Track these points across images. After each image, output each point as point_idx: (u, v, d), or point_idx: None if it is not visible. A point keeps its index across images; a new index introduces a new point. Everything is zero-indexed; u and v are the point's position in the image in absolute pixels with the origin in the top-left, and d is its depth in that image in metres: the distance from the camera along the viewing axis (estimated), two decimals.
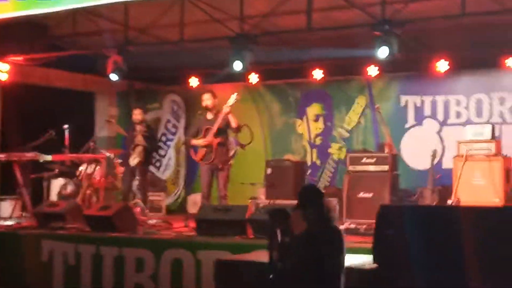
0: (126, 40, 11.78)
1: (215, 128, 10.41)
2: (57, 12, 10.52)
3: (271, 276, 5.58)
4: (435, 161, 10.96)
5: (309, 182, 12.13)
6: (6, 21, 10.85)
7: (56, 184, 11.77)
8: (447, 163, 11.72)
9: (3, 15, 10.18)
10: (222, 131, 10.52)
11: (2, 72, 12.86)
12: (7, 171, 12.09)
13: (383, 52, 9.89)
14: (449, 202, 10.08)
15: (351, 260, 6.26)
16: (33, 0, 9.65)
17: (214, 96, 10.65)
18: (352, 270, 6.15)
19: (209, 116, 10.62)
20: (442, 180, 11.17)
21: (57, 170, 11.77)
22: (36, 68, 13.41)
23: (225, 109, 10.39)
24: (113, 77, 11.76)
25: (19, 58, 12.72)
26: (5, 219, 11.43)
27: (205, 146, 10.45)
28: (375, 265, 6.37)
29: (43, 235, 9.59)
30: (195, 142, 10.63)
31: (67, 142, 11.38)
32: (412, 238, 6.25)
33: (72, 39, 12.33)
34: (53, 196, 11.64)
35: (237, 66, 10.73)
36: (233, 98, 10.41)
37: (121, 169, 11.48)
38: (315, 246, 5.39)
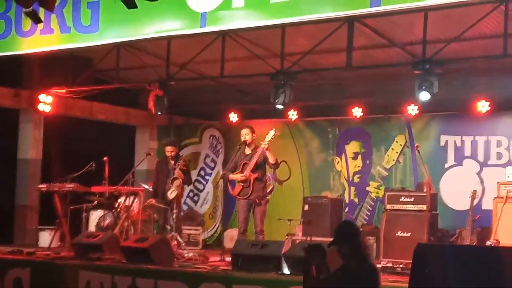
0: (168, 75, 11.94)
1: (252, 163, 10.45)
2: (101, 46, 10.73)
3: None
4: (475, 202, 10.83)
5: (346, 219, 12.06)
6: (50, 53, 11.07)
7: (95, 216, 11.89)
8: (487, 204, 11.58)
9: (48, 48, 10.38)
10: (260, 167, 10.54)
11: (45, 104, 13.09)
12: (47, 202, 12.25)
13: (423, 95, 9.86)
14: (488, 243, 9.94)
15: None
16: (77, 34, 9.82)
17: (252, 131, 10.70)
18: None
19: (247, 151, 10.66)
20: (482, 222, 11.02)
21: (96, 202, 11.89)
22: (79, 101, 13.62)
23: (263, 144, 10.42)
24: (153, 107, 11.89)
25: (63, 91, 12.94)
26: (44, 248, 11.54)
27: (243, 181, 10.48)
28: None
29: (80, 265, 9.64)
30: (232, 177, 10.66)
31: (106, 174, 11.50)
32: (449, 278, 6.16)
33: (115, 73, 12.53)
34: (92, 227, 11.76)
35: (278, 102, 10.79)
36: (271, 134, 10.45)
37: (152, 201, 11.55)
38: (351, 283, 5.36)
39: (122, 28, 9.45)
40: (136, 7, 8.19)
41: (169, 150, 11.40)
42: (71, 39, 9.94)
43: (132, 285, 9.10)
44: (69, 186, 11.61)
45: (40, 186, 12.18)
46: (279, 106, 10.95)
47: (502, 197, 10.31)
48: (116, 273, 9.29)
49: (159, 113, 12.07)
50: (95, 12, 9.61)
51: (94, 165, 11.60)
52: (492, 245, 9.82)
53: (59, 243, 11.93)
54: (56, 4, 9.12)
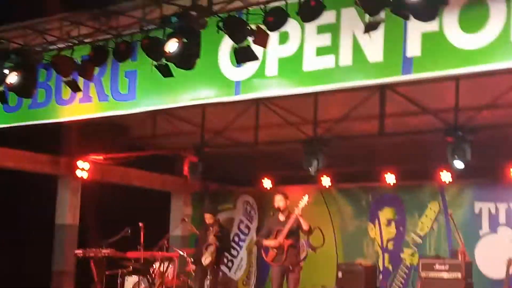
0: (203, 142, 12.13)
1: (286, 229, 10.46)
2: (137, 113, 10.96)
3: None
4: (511, 270, 10.71)
5: (376, 286, 11.99)
6: (88, 121, 11.32)
7: (130, 281, 11.96)
8: None
9: (87, 116, 10.61)
10: (294, 233, 10.56)
11: (83, 170, 13.34)
12: (83, 267, 12.35)
13: (457, 163, 9.90)
14: None
15: None
16: (115, 102, 10.04)
17: (286, 197, 10.74)
18: None
19: (281, 217, 10.70)
20: None
21: (131, 267, 11.96)
22: (116, 167, 13.86)
23: (297, 211, 10.46)
24: (189, 177, 12.04)
25: (100, 157, 13.19)
26: None
27: (276, 248, 10.49)
28: None
29: None
30: (266, 243, 10.68)
31: (142, 239, 11.59)
32: None
33: (151, 140, 12.75)
34: None
35: (311, 168, 10.88)
36: (304, 200, 10.49)
37: (192, 267, 11.58)
38: None
39: (158, 96, 9.66)
40: (172, 75, 8.44)
41: (206, 218, 11.44)
42: (109, 107, 10.15)
43: None
44: (105, 251, 11.71)
45: (77, 251, 12.28)
46: (312, 173, 11.04)
47: None
48: None
49: (194, 179, 12.21)
50: (132, 81, 9.85)
51: (129, 231, 11.71)
52: None
53: None
54: (94, 73, 9.43)
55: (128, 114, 10.51)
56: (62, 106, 10.56)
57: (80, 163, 13.31)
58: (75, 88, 9.49)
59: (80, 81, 9.57)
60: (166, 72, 8.40)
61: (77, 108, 10.43)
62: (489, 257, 12.29)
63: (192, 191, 15.70)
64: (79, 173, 13.32)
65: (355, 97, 10.56)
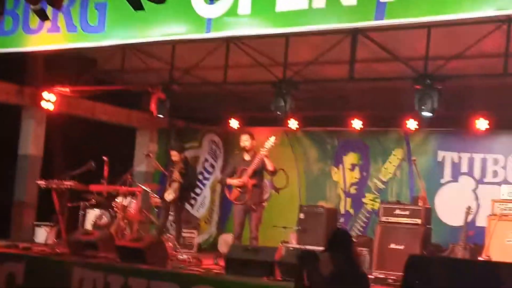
0: (171, 79, 12.04)
1: (251, 169, 10.53)
2: (106, 47, 10.82)
3: None
4: (469, 218, 10.91)
5: (339, 227, 12.14)
6: (56, 52, 11.16)
7: (92, 214, 11.99)
8: (480, 221, 11.67)
9: (54, 46, 10.45)
10: (258, 173, 10.62)
11: (48, 102, 13.18)
12: (45, 198, 12.33)
13: (424, 112, 9.95)
14: (480, 259, 10.02)
15: None
16: (84, 34, 9.90)
17: (252, 138, 10.78)
18: None
19: (246, 157, 10.74)
20: (475, 238, 11.12)
21: (93, 201, 11.98)
22: (82, 100, 13.73)
23: (262, 151, 10.51)
24: (159, 114, 11.97)
25: (66, 90, 13.04)
26: (40, 244, 11.62)
27: (240, 187, 10.56)
28: None
29: (75, 262, 9.70)
30: (230, 181, 10.74)
31: (105, 173, 11.58)
32: None
33: (119, 74, 12.63)
34: (88, 226, 11.84)
35: (279, 110, 10.87)
36: (270, 141, 10.53)
37: (156, 202, 11.63)
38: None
39: (128, 29, 9.53)
40: (142, 9, 8.32)
41: (172, 155, 11.44)
42: (78, 38, 10.00)
43: (125, 284, 9.13)
44: (68, 183, 11.67)
45: (39, 182, 12.24)
46: (280, 115, 11.04)
47: (496, 215, 10.40)
48: (109, 271, 9.33)
49: (161, 116, 12.16)
50: (102, 13, 9.69)
51: (93, 164, 11.68)
52: (484, 260, 9.90)
53: (55, 239, 12.00)
54: (64, 3, 9.26)
55: (96, 47, 10.39)
56: (29, 35, 10.39)
57: (45, 94, 13.13)
58: (43, 17, 9.32)
59: (49, 10, 9.39)
60: (137, 5, 8.29)
61: (45, 38, 10.27)
62: (449, 205, 12.50)
63: (158, 127, 15.64)
64: (44, 104, 13.15)
65: (326, 41, 10.52)
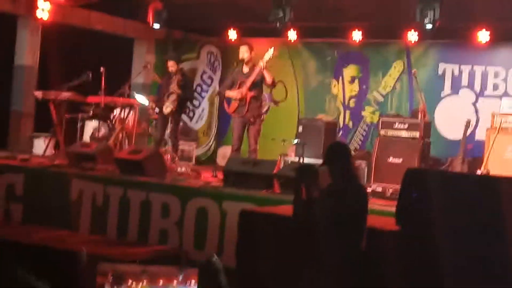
0: None
1: (249, 81, 10.41)
2: None
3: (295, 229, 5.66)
4: (468, 131, 10.89)
5: (337, 140, 12.13)
6: None
7: (90, 126, 11.96)
8: (480, 135, 11.66)
9: None
10: (257, 86, 10.52)
11: (43, 10, 12.95)
12: (43, 110, 12.26)
13: (426, 21, 9.77)
14: (479, 173, 10.04)
15: None
16: None
17: (251, 49, 10.63)
18: (373, 230, 6.19)
19: (245, 69, 10.62)
20: (474, 151, 11.14)
21: (91, 112, 11.90)
22: (77, 9, 13.50)
23: (261, 63, 10.38)
24: (156, 26, 11.79)
25: None
26: (38, 156, 11.63)
27: (239, 99, 10.47)
28: None
29: (73, 174, 9.74)
30: (229, 94, 10.65)
31: (103, 85, 11.47)
32: (436, 203, 6.25)
33: None
34: (86, 137, 11.83)
35: (278, 21, 10.69)
36: (269, 53, 10.40)
37: (154, 114, 11.57)
38: (339, 202, 5.45)
39: None
40: None
41: (169, 65, 11.31)
42: None
43: (124, 196, 9.21)
44: (65, 94, 11.60)
45: (36, 93, 12.15)
46: (278, 25, 10.86)
47: (495, 128, 10.34)
48: (108, 183, 9.40)
49: (158, 26, 11.97)
50: None
51: (90, 75, 11.57)
52: (482, 174, 9.92)
53: (53, 151, 12.00)
54: None
55: None
56: None
57: (40, 3, 12.88)
58: None
59: None
60: None
61: None
62: (449, 118, 12.44)
63: (155, 38, 15.43)
64: (39, 13, 12.92)
65: None
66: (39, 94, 11.92)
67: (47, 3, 12.91)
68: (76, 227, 9.37)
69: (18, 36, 13.34)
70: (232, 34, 14.42)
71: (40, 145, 12.21)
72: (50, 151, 11.97)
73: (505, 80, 12.35)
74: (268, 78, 10.44)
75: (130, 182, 9.31)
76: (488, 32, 12.10)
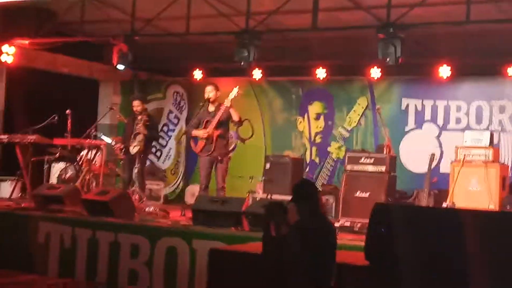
0: (133, 30, 11.88)
1: (216, 120, 10.51)
2: None
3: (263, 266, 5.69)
4: (433, 164, 11.01)
5: (303, 177, 12.22)
6: (14, 4, 10.95)
7: (57, 168, 11.90)
8: (444, 168, 11.84)
9: None
10: (223, 124, 10.62)
11: (8, 54, 12.95)
12: (9, 153, 12.20)
13: (387, 58, 9.94)
14: (444, 205, 10.16)
15: None
16: None
17: (216, 89, 10.75)
18: (343, 265, 6.25)
19: (211, 108, 10.72)
20: (439, 184, 11.28)
21: (58, 154, 11.87)
22: (42, 53, 13.50)
23: (227, 102, 10.48)
24: (120, 67, 11.85)
25: (26, 42, 12.81)
26: (4, 199, 11.54)
27: (205, 138, 10.55)
28: None
29: (41, 216, 9.69)
30: (195, 133, 10.72)
31: (69, 127, 11.47)
32: (403, 237, 6.32)
33: (79, 26, 12.42)
34: (53, 180, 11.76)
35: (242, 61, 10.79)
36: (235, 92, 10.52)
37: (120, 155, 11.58)
38: (307, 238, 5.50)
39: None
40: None
41: (135, 105, 11.36)
42: None
43: (92, 237, 9.19)
44: (31, 137, 11.57)
45: (1, 136, 12.10)
46: (243, 65, 10.97)
47: (459, 161, 10.51)
48: (76, 225, 9.37)
49: (123, 67, 12.02)
50: None
51: (56, 118, 11.57)
52: (448, 207, 10.05)
53: (20, 194, 11.93)
54: None
55: None
56: None
57: (5, 48, 12.88)
58: None
59: None
60: None
61: None
62: (414, 152, 12.62)
63: (121, 79, 15.49)
64: (3, 58, 12.91)
65: None
66: (4, 138, 11.87)
67: (12, 47, 12.90)
68: (44, 270, 9.31)
69: None
70: (198, 74, 14.53)
71: (7, 188, 12.12)
72: (16, 194, 11.89)
73: (467, 113, 12.60)
74: (235, 116, 10.54)
75: (98, 223, 9.29)
76: (449, 68, 12.32)
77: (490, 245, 6.07)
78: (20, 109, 13.06)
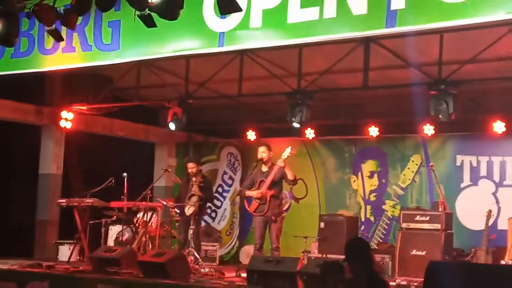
0: (187, 93, 12.13)
1: (269, 180, 10.58)
2: (121, 65, 10.94)
3: None
4: (490, 221, 10.88)
5: (356, 236, 12.13)
6: (72, 71, 11.29)
7: (114, 231, 12.07)
8: (502, 224, 11.65)
9: (70, 66, 10.57)
10: (276, 184, 10.68)
11: (67, 120, 13.32)
12: (67, 216, 12.44)
13: (440, 115, 9.92)
14: (503, 263, 9.98)
15: None
16: (98, 52, 10.00)
17: (269, 149, 10.85)
18: None
19: (264, 168, 10.80)
20: (497, 241, 11.10)
21: (115, 217, 12.06)
22: (100, 118, 13.86)
23: (280, 162, 10.56)
24: (172, 126, 12.08)
25: (83, 108, 13.17)
26: (63, 262, 11.71)
27: (259, 198, 10.62)
28: None
29: (98, 279, 9.76)
30: (249, 193, 10.80)
31: (125, 189, 11.65)
32: None
33: (135, 91, 12.74)
34: (110, 242, 11.93)
35: (295, 121, 10.90)
36: (287, 151, 10.60)
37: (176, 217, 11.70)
38: None
39: (142, 46, 9.63)
40: (155, 26, 8.40)
41: (190, 167, 11.49)
42: (93, 57, 10.11)
43: None
44: (89, 201, 11.81)
45: (60, 201, 12.37)
46: (296, 125, 11.09)
47: None
48: (133, 287, 9.42)
49: (174, 127, 12.25)
50: (116, 31, 9.80)
51: (113, 181, 11.77)
52: (507, 264, 9.87)
53: (78, 257, 12.12)
54: (78, 23, 9.36)
55: (111, 65, 10.49)
56: (45, 55, 10.50)
57: (64, 113, 13.28)
58: (57, 37, 9.43)
59: (63, 30, 9.51)
60: (149, 22, 8.36)
61: (60, 57, 10.38)
62: (470, 209, 12.43)
63: (176, 142, 15.75)
64: (62, 123, 13.29)
65: (340, 50, 10.55)
66: (63, 202, 12.13)
67: (70, 113, 13.27)
68: None
69: (42, 145, 13.66)
70: (251, 135, 14.68)
71: (65, 252, 12.30)
72: (75, 257, 12.07)
73: None
74: (290, 175, 10.60)
75: (154, 285, 9.33)
76: (504, 124, 12.22)
77: None
78: (78, 173, 13.38)
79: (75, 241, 12.22)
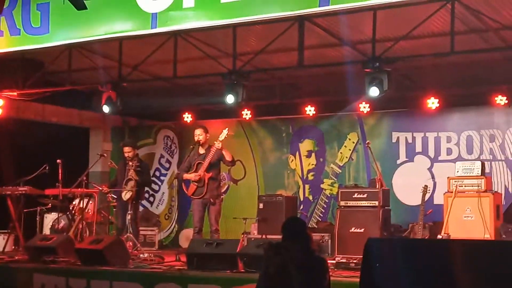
0: (120, 76, 11.91)
1: (206, 162, 10.51)
2: (52, 48, 10.66)
3: None
4: (426, 197, 11.00)
5: (294, 216, 12.16)
6: (1, 56, 10.99)
7: (49, 218, 11.85)
8: (438, 199, 11.81)
9: None
10: (214, 166, 10.61)
11: None
12: (0, 205, 12.13)
13: (374, 91, 9.96)
14: (439, 237, 10.12)
15: None
16: (27, 36, 9.76)
17: (206, 131, 10.76)
18: None
19: (201, 151, 10.72)
20: (433, 216, 11.26)
21: (50, 205, 11.83)
22: (31, 104, 13.53)
23: (217, 144, 10.48)
24: (106, 109, 11.83)
25: (14, 93, 12.82)
26: None
27: (197, 181, 10.53)
28: None
29: (34, 268, 9.60)
30: (187, 176, 10.70)
31: (60, 176, 11.43)
32: (399, 271, 6.26)
33: (67, 75, 12.45)
34: (46, 230, 11.70)
35: (230, 100, 10.81)
36: (224, 133, 10.53)
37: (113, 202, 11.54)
38: (301, 276, 5.45)
39: (72, 29, 9.44)
40: (85, 8, 8.21)
41: (126, 151, 11.35)
42: (22, 41, 9.89)
43: (87, 287, 9.09)
44: (22, 189, 11.53)
45: None
46: (230, 102, 10.98)
47: (452, 192, 10.51)
48: (70, 275, 9.28)
49: (111, 112, 12.03)
50: (45, 14, 9.57)
51: (47, 168, 11.53)
52: (443, 238, 10.00)
53: (13, 247, 11.84)
54: (5, 6, 9.10)
55: (41, 48, 10.24)
56: None
57: None
58: None
59: None
60: (78, 5, 8.16)
61: None
62: (406, 185, 12.59)
63: (111, 126, 15.50)
64: None
65: (274, 30, 10.48)
66: None
67: (0, 99, 12.92)
68: None
69: None
70: (187, 118, 14.56)
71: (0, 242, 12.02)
72: (9, 247, 11.80)
73: (457, 144, 12.61)
74: (228, 156, 10.54)
75: (92, 272, 9.20)
76: (437, 99, 12.39)
77: (487, 275, 6.03)
78: (10, 160, 13.03)
79: (9, 231, 11.93)
